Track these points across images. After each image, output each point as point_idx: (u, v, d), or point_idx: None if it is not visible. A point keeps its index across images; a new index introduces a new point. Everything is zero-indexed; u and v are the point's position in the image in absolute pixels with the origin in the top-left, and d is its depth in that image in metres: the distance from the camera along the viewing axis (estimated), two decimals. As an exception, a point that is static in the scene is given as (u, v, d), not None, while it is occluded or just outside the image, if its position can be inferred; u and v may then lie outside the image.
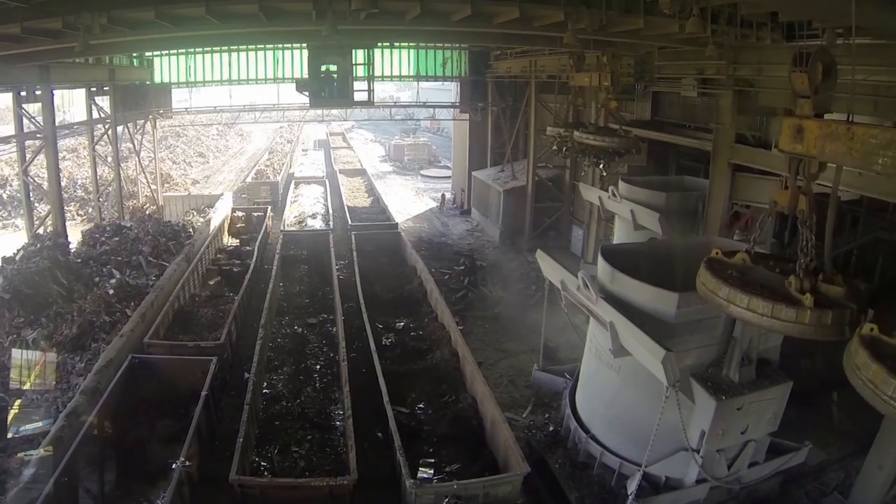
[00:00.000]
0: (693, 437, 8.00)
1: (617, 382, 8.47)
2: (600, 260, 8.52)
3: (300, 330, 13.34)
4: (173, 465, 8.01)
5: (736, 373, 7.95)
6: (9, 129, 22.86)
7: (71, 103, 36.42)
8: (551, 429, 10.24)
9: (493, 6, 9.72)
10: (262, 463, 9.19)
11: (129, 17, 9.22)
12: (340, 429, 9.92)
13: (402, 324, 13.54)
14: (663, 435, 8.04)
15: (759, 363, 8.49)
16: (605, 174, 14.89)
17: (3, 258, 14.90)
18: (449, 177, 33.73)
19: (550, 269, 9.26)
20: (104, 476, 9.08)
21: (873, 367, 4.73)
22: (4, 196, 29.83)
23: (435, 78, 26.73)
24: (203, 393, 9.51)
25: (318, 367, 12.00)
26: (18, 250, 15.28)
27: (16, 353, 11.51)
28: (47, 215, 17.75)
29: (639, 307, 7.72)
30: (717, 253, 6.81)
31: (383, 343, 12.36)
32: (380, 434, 10.32)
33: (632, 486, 8.15)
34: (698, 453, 8.05)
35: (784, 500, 9.98)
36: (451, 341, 12.12)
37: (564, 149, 15.46)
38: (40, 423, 9.93)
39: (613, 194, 14.31)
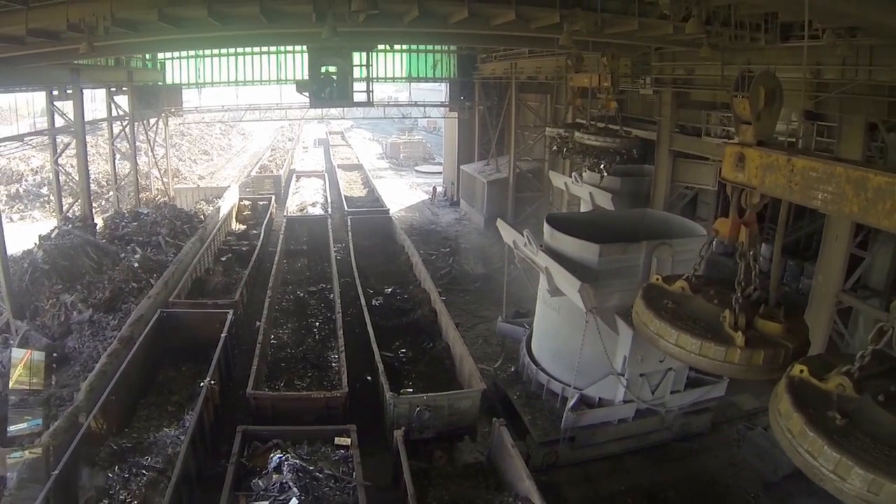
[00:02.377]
0: (618, 363, 9.99)
1: (557, 320, 10.49)
2: (545, 224, 10.53)
3: (302, 295, 15.34)
4: (201, 384, 10.00)
5: (651, 310, 9.94)
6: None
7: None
8: (512, 370, 12.26)
9: (489, 8, 9.82)
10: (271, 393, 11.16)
11: (132, 19, 9.37)
12: (335, 369, 11.88)
13: (389, 289, 15.58)
14: (595, 362, 10.05)
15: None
16: (605, 174, 14.37)
17: (40, 236, 16.93)
18: (441, 172, 35.72)
19: (507, 232, 11.29)
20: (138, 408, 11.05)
21: (794, 416, 4.34)
22: (21, 190, 31.80)
23: (426, 79, 28.79)
24: (222, 335, 11.50)
25: (317, 324, 13.97)
26: (53, 229, 17.30)
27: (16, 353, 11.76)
28: (75, 202, 19.73)
29: (571, 257, 9.72)
30: (657, 279, 6.46)
31: (373, 304, 14.34)
32: (369, 378, 12.26)
33: (570, 403, 10.16)
34: (623, 376, 10.06)
35: (716, 436, 11.98)
36: (430, 301, 14.13)
37: (565, 149, 15.15)
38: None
39: (576, 180, 16.34)
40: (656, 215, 12.12)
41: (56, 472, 7.99)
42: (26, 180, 32.20)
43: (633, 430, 10.97)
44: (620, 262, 9.65)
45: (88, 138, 33.98)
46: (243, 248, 19.07)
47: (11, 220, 28.28)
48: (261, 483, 7.99)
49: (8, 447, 9.72)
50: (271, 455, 8.49)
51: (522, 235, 10.33)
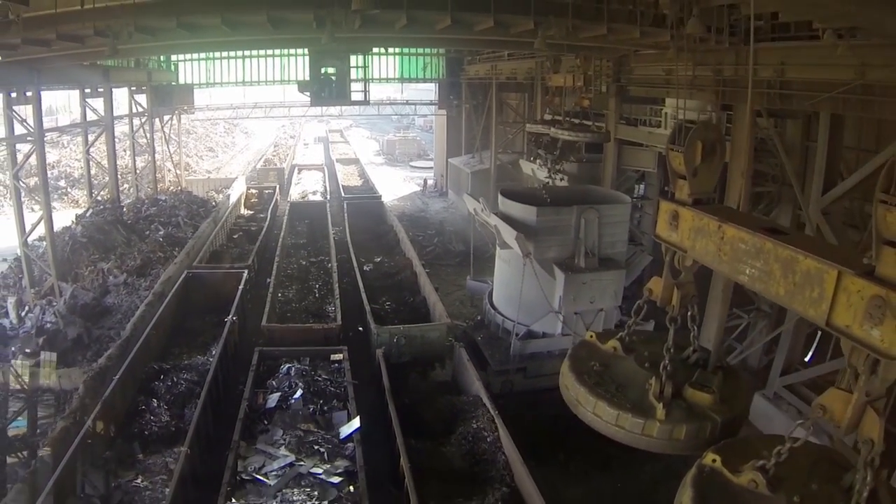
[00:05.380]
0: (555, 302, 12.54)
1: (508, 271, 13.05)
2: (499, 195, 13.09)
3: (304, 263, 17.91)
4: (226, 319, 12.54)
5: (582, 261, 12.50)
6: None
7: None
8: (478, 318, 14.84)
9: (471, 16, 10.44)
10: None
11: (152, 26, 10.18)
12: (333, 317, 14.38)
13: (379, 259, 18.17)
14: (538, 303, 12.58)
15: (605, 259, 13.00)
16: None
17: (76, 215, 19.54)
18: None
19: (469, 202, 13.87)
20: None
21: None
22: (39, 183, 34.35)
23: (417, 80, 31.41)
24: (239, 288, 14.05)
25: (317, 286, 16.48)
26: (87, 209, 19.89)
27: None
28: (102, 189, 22.33)
29: (516, 218, 12.29)
30: (591, 336, 6.18)
31: (364, 269, 16.89)
32: (361, 329, 14.77)
33: (519, 335, 12.71)
34: (560, 314, 12.60)
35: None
36: (412, 266, 16.70)
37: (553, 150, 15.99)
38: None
39: (541, 166, 18.86)
40: (597, 190, 14.71)
41: (117, 377, 10.52)
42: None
43: (577, 365, 13.48)
44: (555, 221, 12.22)
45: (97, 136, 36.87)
46: (252, 229, 21.66)
47: (33, 209, 30.88)
48: (274, 383, 10.54)
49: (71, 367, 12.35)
50: (281, 366, 11.04)
51: (479, 202, 12.90)
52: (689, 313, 5.42)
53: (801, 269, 3.92)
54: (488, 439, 9.60)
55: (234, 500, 7.89)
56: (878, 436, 3.72)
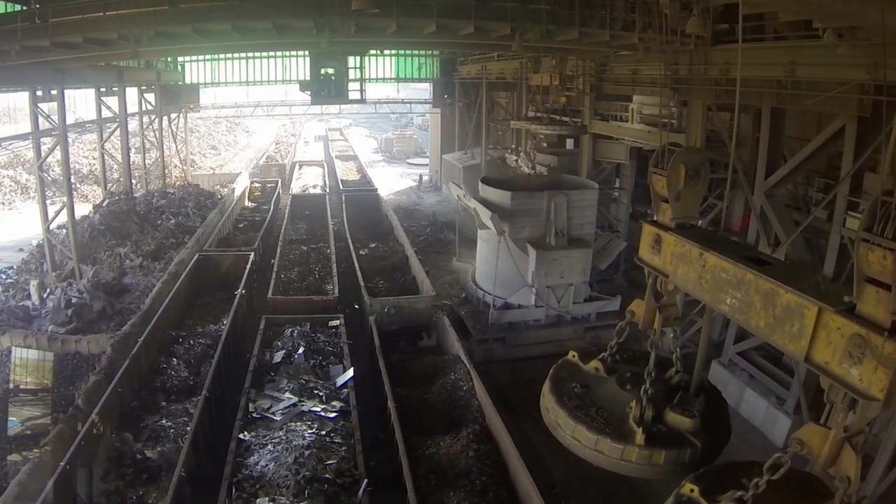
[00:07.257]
0: (529, 277, 14.04)
1: (487, 250, 14.55)
2: (479, 182, 14.60)
3: (305, 249, 19.41)
4: (235, 293, 14.05)
5: (552, 240, 14.00)
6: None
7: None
8: (463, 295, 16.34)
9: (454, 22, 11.38)
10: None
11: (170, 31, 11.06)
12: (331, 294, 15.87)
13: (374, 244, 19.68)
14: (514, 278, 14.08)
15: (574, 239, 14.48)
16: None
17: (94, 205, 21.04)
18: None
19: (454, 189, 15.38)
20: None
21: None
22: (50, 178, 35.89)
23: (412, 80, 32.91)
24: (247, 267, 15.56)
25: (317, 269, 17.97)
26: (104, 199, 21.41)
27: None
28: (115, 183, 23.82)
29: (493, 202, 13.79)
30: (573, 356, 6.13)
31: (360, 253, 18.40)
32: (357, 306, 16.26)
33: (497, 306, 14.21)
34: (533, 287, 14.10)
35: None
36: (405, 250, 18.21)
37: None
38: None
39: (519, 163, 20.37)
40: (569, 178, 16.22)
41: (141, 339, 12.02)
42: (53, 170, 36.38)
43: (551, 336, 14.90)
44: (528, 204, 13.73)
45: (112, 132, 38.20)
46: (256, 219, 23.18)
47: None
48: (279, 343, 12.04)
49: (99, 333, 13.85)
50: (285, 330, 12.54)
51: (461, 188, 14.43)
52: (671, 335, 5.38)
53: (782, 303, 3.89)
54: (464, 388, 11.10)
55: (246, 433, 9.39)
56: (854, 473, 3.66)
